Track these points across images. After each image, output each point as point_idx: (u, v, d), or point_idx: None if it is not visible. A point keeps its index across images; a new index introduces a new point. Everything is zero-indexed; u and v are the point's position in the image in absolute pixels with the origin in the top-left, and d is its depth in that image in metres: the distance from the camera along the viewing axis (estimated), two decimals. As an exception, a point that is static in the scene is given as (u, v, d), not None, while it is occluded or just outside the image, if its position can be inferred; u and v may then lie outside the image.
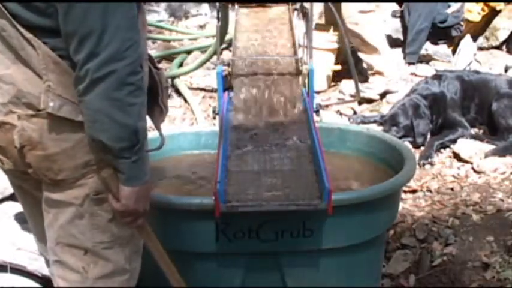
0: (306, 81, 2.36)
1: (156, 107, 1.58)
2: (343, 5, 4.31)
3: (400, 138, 3.57)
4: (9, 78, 1.35)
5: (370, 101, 4.38)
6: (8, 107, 1.37)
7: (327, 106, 4.30)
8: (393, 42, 4.85)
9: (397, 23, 5.03)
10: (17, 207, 2.43)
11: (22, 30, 1.31)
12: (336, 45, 4.69)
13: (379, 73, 4.41)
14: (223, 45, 4.31)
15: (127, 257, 1.53)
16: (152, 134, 1.65)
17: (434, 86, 3.84)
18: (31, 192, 1.56)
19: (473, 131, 3.82)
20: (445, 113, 3.80)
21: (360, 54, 4.48)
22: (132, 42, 1.30)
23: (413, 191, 3.25)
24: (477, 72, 4.06)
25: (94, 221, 1.46)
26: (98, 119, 1.32)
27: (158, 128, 1.63)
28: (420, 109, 3.74)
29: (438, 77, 3.95)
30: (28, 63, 1.34)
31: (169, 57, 4.98)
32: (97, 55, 1.26)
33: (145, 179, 1.45)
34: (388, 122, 3.82)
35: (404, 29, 5.02)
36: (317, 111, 2.41)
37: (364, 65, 4.51)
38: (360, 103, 4.34)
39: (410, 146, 3.56)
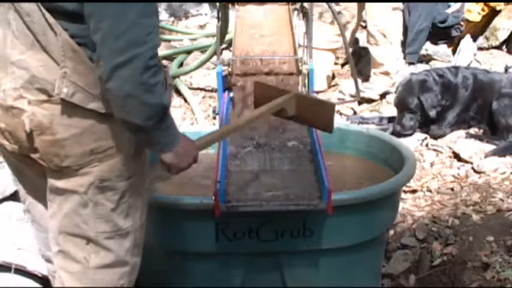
0: (306, 81, 2.36)
1: None
2: (368, 5, 4.36)
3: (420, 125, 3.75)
4: (23, 63, 1.37)
5: (370, 101, 4.38)
6: (18, 92, 1.39)
7: (327, 106, 4.29)
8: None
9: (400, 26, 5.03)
10: (17, 207, 2.43)
11: (47, 15, 1.33)
12: (335, 45, 4.69)
13: (386, 73, 4.40)
14: (223, 45, 4.31)
15: (127, 249, 1.55)
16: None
17: (451, 72, 3.85)
18: (33, 178, 1.57)
19: (473, 130, 3.82)
20: (454, 102, 3.80)
21: (372, 50, 4.46)
22: (153, 27, 1.32)
23: (413, 191, 3.25)
24: (487, 71, 4.05)
25: (97, 210, 1.48)
26: (128, 102, 1.34)
27: None
28: (427, 83, 3.74)
29: (456, 67, 3.97)
30: (46, 49, 1.36)
31: (170, 57, 4.98)
32: (117, 39, 1.28)
33: (178, 138, 1.50)
34: (398, 108, 3.82)
35: (405, 29, 5.02)
36: (317, 111, 2.41)
37: (373, 61, 4.48)
38: (360, 103, 4.34)
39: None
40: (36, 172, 1.53)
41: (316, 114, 1.85)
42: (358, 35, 4.97)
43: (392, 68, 4.41)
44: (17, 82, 1.38)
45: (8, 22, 1.38)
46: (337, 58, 4.84)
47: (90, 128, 1.41)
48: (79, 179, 1.44)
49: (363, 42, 4.87)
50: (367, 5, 4.37)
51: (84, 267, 1.51)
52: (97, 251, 1.51)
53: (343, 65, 4.92)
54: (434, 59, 4.93)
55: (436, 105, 3.74)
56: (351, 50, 4.24)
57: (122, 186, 1.48)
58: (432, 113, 3.72)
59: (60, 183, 1.46)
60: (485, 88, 3.81)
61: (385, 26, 4.33)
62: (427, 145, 3.72)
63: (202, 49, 4.90)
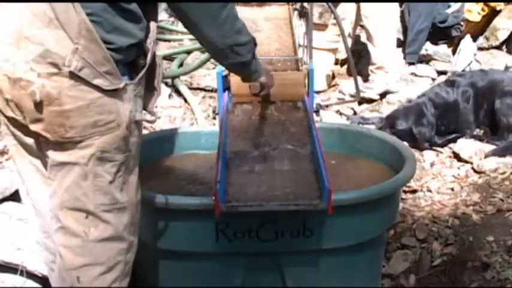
0: (306, 81, 2.36)
1: (152, 89, 1.69)
2: (363, 3, 4.36)
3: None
4: (39, 38, 1.44)
5: (370, 101, 4.38)
6: (29, 65, 1.45)
7: (327, 106, 4.30)
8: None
9: (397, 23, 5.03)
10: (17, 207, 2.43)
11: None
12: (336, 45, 4.70)
13: (381, 68, 4.40)
14: (224, 45, 4.30)
15: (125, 224, 1.60)
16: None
17: (448, 93, 3.80)
18: (34, 152, 1.62)
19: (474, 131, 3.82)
20: (458, 121, 3.77)
21: (370, 48, 4.46)
22: None
23: (413, 191, 3.25)
24: (485, 72, 4.00)
25: (96, 182, 1.53)
26: (234, 50, 1.70)
27: (151, 107, 1.73)
28: (424, 118, 3.70)
29: (451, 83, 3.88)
30: (64, 26, 1.43)
31: (170, 57, 4.98)
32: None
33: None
34: (387, 121, 3.80)
35: (404, 29, 5.02)
36: (317, 111, 2.41)
37: (372, 59, 4.47)
38: (360, 103, 4.33)
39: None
40: (37, 147, 1.59)
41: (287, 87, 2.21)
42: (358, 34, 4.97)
43: (388, 63, 4.39)
44: (29, 56, 1.44)
45: (27, 2, 1.44)
46: (336, 60, 4.85)
47: (96, 101, 1.48)
48: (81, 151, 1.51)
49: (363, 42, 4.87)
50: (363, 3, 4.37)
51: (83, 240, 1.56)
52: (96, 224, 1.56)
53: (342, 64, 4.91)
54: (434, 59, 4.93)
55: (430, 137, 3.68)
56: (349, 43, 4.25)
57: (119, 159, 1.55)
58: (426, 145, 3.65)
59: (62, 157, 1.52)
60: (488, 93, 3.78)
61: (382, 24, 4.32)
62: (427, 145, 3.72)
63: (202, 49, 4.89)
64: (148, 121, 1.72)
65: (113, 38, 1.48)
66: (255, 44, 1.80)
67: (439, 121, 3.73)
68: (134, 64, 1.58)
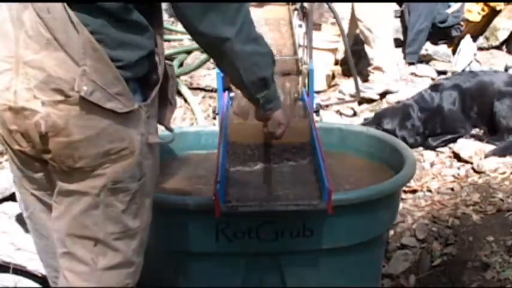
0: (306, 81, 2.36)
1: (165, 101, 1.59)
2: (357, 5, 4.35)
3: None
4: (37, 63, 1.33)
5: (370, 101, 4.38)
6: (32, 93, 1.35)
7: (327, 106, 4.30)
8: (393, 42, 4.85)
9: (397, 23, 5.03)
10: (17, 207, 2.43)
11: (70, 12, 1.31)
12: (336, 45, 4.70)
13: (378, 68, 4.40)
14: (224, 45, 4.29)
15: (134, 249, 1.54)
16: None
17: (432, 98, 3.79)
18: (40, 182, 1.54)
19: (473, 131, 3.81)
20: (445, 123, 3.76)
21: (367, 49, 4.46)
22: None
23: (413, 191, 3.25)
24: (474, 74, 3.99)
25: (108, 212, 1.45)
26: (254, 59, 1.58)
27: (167, 123, 1.63)
28: (409, 121, 3.69)
29: (435, 87, 3.87)
30: (64, 48, 1.32)
31: (169, 57, 4.98)
32: (225, 12, 1.48)
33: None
34: (374, 119, 3.80)
35: (404, 29, 5.02)
36: (317, 111, 2.41)
37: (369, 60, 4.47)
38: (359, 103, 4.34)
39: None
40: (46, 178, 1.52)
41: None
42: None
43: (385, 63, 4.39)
44: (30, 82, 1.34)
45: (21, 22, 1.34)
46: (336, 60, 4.85)
47: (106, 129, 1.38)
48: (91, 181, 1.42)
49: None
50: (357, 5, 4.37)
51: (91, 268, 1.49)
52: (105, 253, 1.49)
53: (342, 64, 4.92)
54: (434, 59, 4.93)
55: (413, 143, 3.65)
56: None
57: (133, 188, 1.47)
58: None
59: (71, 186, 1.43)
60: (476, 96, 3.76)
61: (376, 25, 4.32)
62: (427, 145, 3.72)
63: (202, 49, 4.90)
64: (164, 143, 1.61)
65: (119, 54, 1.36)
66: (274, 62, 1.67)
67: (424, 125, 3.72)
68: (146, 80, 1.47)
